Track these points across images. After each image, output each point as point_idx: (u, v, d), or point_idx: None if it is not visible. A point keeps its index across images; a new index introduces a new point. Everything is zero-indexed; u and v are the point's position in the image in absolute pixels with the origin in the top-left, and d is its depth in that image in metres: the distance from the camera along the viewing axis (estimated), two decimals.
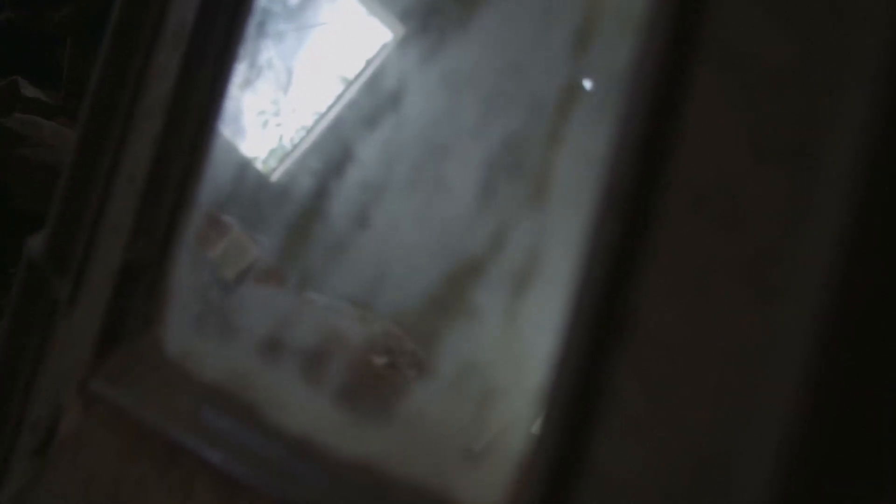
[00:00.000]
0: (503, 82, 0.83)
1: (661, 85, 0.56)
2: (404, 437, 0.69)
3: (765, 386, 0.48)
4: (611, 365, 0.54)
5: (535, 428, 0.57)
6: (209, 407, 0.82)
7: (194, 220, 0.94)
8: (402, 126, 0.95)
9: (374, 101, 1.20)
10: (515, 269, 0.68)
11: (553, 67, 0.74)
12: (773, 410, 0.46)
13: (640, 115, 0.56)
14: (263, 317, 0.85)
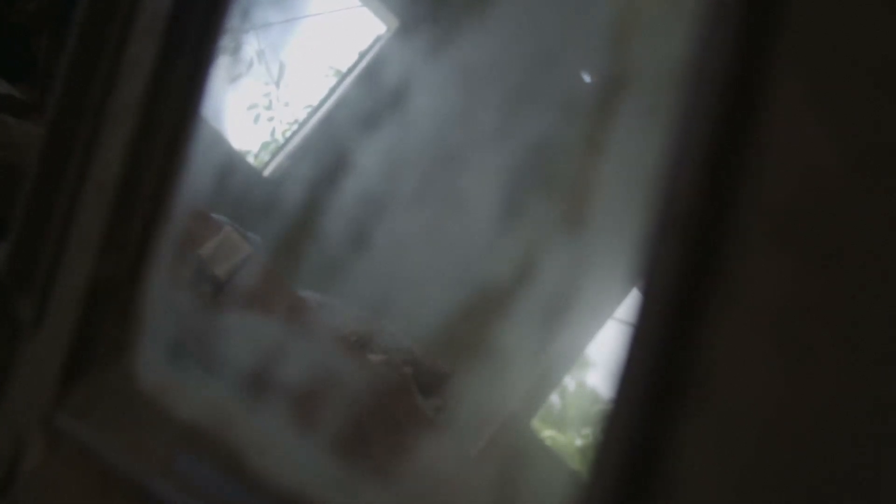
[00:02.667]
0: (528, 78, 0.72)
1: (731, 83, 0.45)
2: (413, 497, 0.58)
3: (880, 467, 0.38)
4: (674, 430, 0.43)
5: (577, 500, 0.47)
6: (187, 451, 0.72)
7: (172, 233, 0.84)
8: (407, 129, 0.84)
9: (374, 99, 1.10)
10: (547, 304, 0.57)
11: (589, 61, 0.63)
12: None
13: (705, 121, 0.45)
14: (250, 347, 0.74)
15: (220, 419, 0.74)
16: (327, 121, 4.59)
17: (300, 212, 3.43)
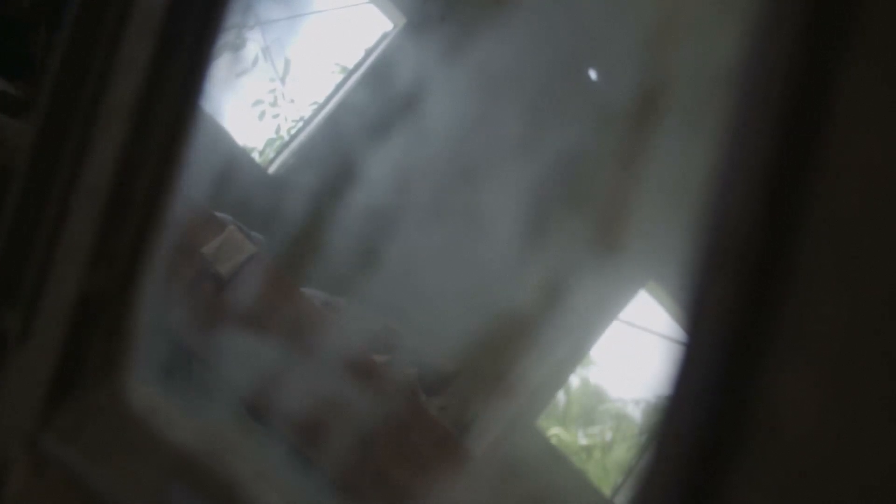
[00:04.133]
0: (554, 84, 0.66)
1: (791, 93, 0.40)
2: None
3: None
4: (730, 484, 0.38)
5: None
6: (180, 481, 0.66)
7: (167, 243, 0.79)
8: (418, 135, 0.79)
9: (382, 102, 1.05)
10: (576, 334, 0.52)
11: (623, 66, 0.57)
12: None
13: (761, 138, 0.40)
14: (250, 368, 0.69)
15: (216, 445, 0.69)
16: (333, 121, 4.53)
17: (303, 226, 3.36)
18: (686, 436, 0.39)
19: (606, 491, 5.14)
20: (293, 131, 4.84)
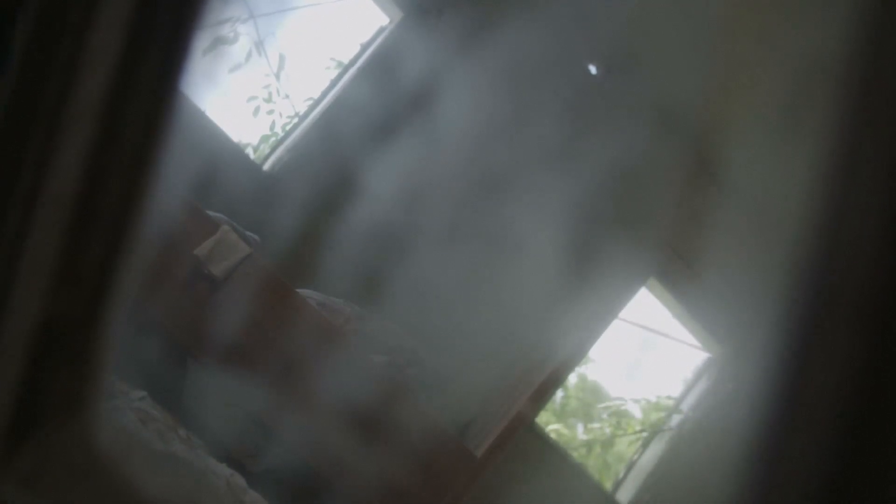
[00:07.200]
0: (575, 84, 0.57)
1: None
2: None
3: None
4: None
5: None
6: None
7: (140, 262, 0.70)
8: (419, 135, 0.70)
9: (381, 101, 0.96)
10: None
11: (681, 52, 0.48)
12: None
13: (888, 148, 0.31)
14: (233, 407, 0.60)
15: (196, 495, 0.60)
16: (329, 118, 4.44)
17: (299, 226, 3.25)
18: None
19: (608, 484, 5.08)
20: (288, 127, 4.75)
